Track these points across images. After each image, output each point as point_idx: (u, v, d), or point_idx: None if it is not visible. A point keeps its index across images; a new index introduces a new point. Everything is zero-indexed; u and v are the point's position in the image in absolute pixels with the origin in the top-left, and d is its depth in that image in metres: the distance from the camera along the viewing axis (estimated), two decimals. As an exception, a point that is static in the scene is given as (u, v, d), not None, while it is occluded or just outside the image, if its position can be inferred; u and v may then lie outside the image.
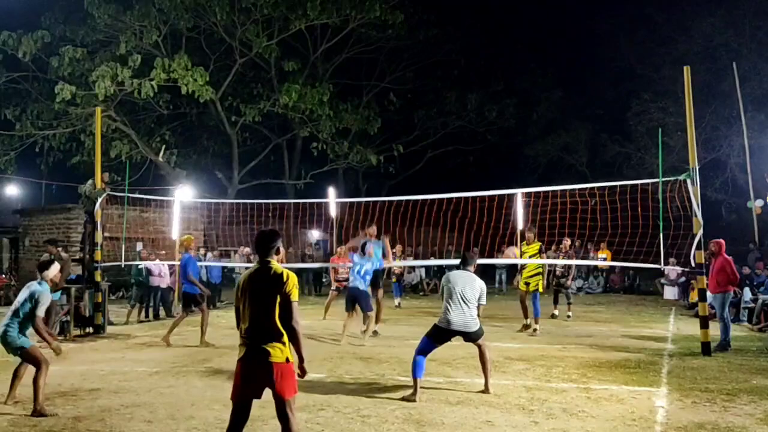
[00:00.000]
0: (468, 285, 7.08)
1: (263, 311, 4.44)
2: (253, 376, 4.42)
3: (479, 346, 7.19)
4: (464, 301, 7.02)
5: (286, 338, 4.46)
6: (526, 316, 11.85)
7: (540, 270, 11.66)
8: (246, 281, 4.57)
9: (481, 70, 29.91)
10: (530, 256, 11.59)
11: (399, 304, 16.64)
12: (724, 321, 9.83)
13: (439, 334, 7.13)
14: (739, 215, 24.39)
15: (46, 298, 6.47)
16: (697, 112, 9.91)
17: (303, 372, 4.55)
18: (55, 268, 6.83)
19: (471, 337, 7.11)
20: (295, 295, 4.51)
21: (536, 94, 30.46)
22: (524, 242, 11.89)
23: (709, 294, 9.91)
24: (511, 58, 30.36)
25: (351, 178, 30.46)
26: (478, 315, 7.15)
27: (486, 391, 7.06)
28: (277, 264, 4.61)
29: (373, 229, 11.33)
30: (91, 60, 19.20)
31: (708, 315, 9.57)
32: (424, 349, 7.10)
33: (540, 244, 11.74)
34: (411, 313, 15.22)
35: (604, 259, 17.85)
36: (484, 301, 7.18)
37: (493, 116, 29.21)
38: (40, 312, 6.39)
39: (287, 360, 4.45)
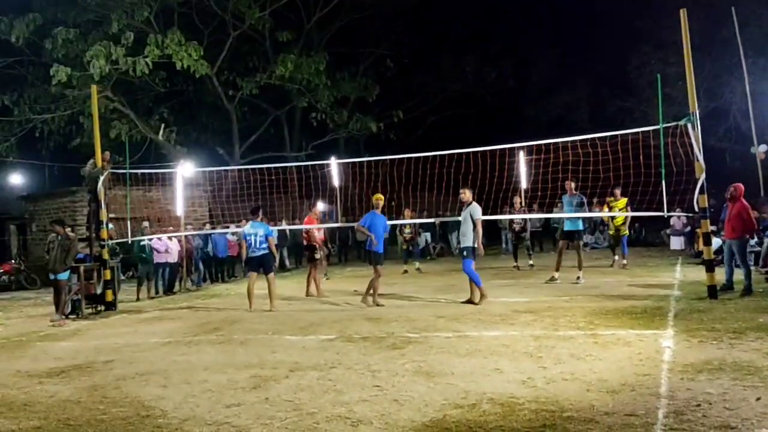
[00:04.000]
0: None
1: None
2: None
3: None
4: None
5: None
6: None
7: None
8: None
9: (478, 31, 29.55)
10: (619, 209, 13.62)
11: (419, 268, 16.32)
12: (747, 266, 9.80)
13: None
14: (743, 163, 24.18)
15: None
16: (698, 60, 9.78)
17: None
18: None
19: None
20: None
21: (534, 53, 30.10)
22: (612, 198, 13.90)
23: (727, 240, 9.92)
24: (508, 17, 29.96)
25: (352, 147, 30.34)
26: None
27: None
28: None
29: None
30: (84, 40, 19.08)
31: (713, 260, 9.56)
32: None
33: (626, 199, 13.54)
34: (418, 276, 15.29)
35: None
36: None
37: (492, 78, 28.96)
38: None
39: None
